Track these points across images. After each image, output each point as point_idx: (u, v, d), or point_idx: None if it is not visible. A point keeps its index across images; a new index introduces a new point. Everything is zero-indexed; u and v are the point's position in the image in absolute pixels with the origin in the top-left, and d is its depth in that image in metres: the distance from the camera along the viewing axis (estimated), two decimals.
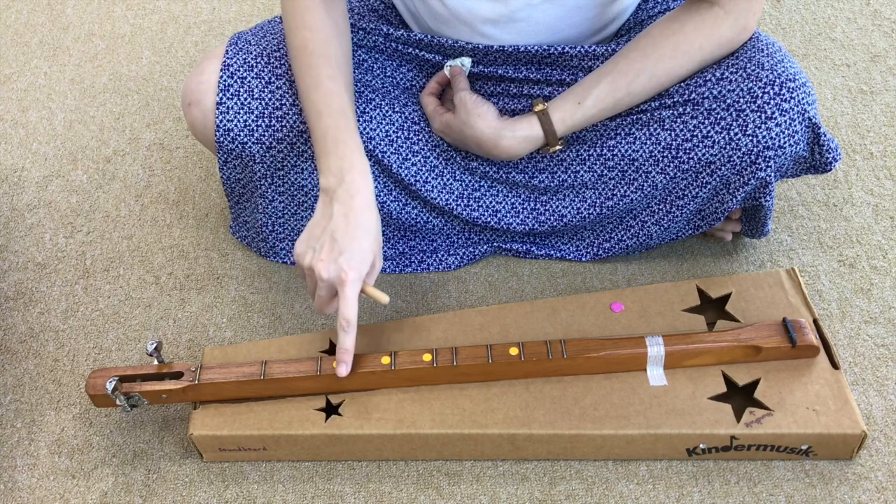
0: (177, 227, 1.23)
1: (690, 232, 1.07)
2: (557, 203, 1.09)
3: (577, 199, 1.08)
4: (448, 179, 1.08)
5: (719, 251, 1.14)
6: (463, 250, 1.15)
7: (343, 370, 0.92)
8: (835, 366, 0.94)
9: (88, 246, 1.21)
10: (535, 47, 1.01)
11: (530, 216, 1.09)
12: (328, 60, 0.94)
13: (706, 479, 0.93)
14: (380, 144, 1.04)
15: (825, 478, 0.92)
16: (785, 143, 0.95)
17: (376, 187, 1.06)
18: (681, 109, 0.98)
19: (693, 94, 0.97)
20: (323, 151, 0.92)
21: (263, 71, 1.02)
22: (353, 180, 0.90)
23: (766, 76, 0.94)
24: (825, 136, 0.97)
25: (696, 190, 1.01)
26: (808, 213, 1.18)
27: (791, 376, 0.93)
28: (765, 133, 0.94)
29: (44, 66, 1.49)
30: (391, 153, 1.05)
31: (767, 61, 0.95)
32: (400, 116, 1.06)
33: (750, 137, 0.95)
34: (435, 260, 1.14)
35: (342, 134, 0.92)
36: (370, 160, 1.04)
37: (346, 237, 0.88)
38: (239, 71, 1.01)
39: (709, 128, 0.97)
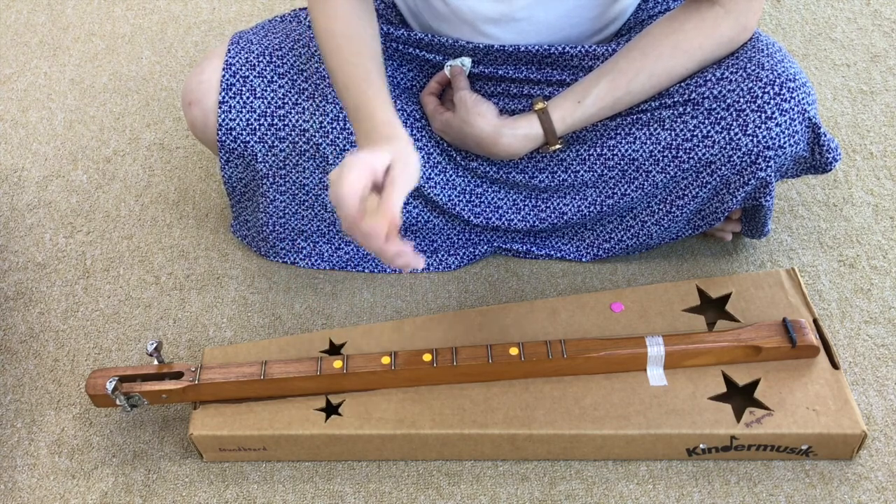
0: (177, 227, 1.23)
1: (690, 232, 1.07)
2: (558, 201, 1.09)
3: (577, 198, 1.08)
4: (451, 176, 1.08)
5: (719, 251, 1.14)
6: (463, 250, 1.14)
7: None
8: (835, 366, 0.94)
9: (88, 246, 1.21)
10: (536, 47, 1.01)
11: (531, 213, 1.09)
12: (351, 41, 0.92)
13: (706, 479, 0.93)
14: None
15: (825, 478, 0.92)
16: (785, 142, 0.95)
17: None
18: (681, 109, 0.98)
19: (693, 94, 0.97)
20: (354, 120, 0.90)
21: (266, 70, 1.02)
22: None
23: (767, 76, 0.94)
24: (825, 136, 0.97)
25: (697, 190, 1.01)
26: (808, 213, 1.18)
27: (791, 376, 0.93)
28: (765, 133, 0.94)
29: (44, 66, 1.49)
30: None
31: (768, 61, 0.95)
32: (402, 114, 1.06)
33: (750, 137, 0.95)
34: (435, 260, 1.14)
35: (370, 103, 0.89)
36: None
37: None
38: (241, 70, 1.01)
39: (709, 127, 0.97)
